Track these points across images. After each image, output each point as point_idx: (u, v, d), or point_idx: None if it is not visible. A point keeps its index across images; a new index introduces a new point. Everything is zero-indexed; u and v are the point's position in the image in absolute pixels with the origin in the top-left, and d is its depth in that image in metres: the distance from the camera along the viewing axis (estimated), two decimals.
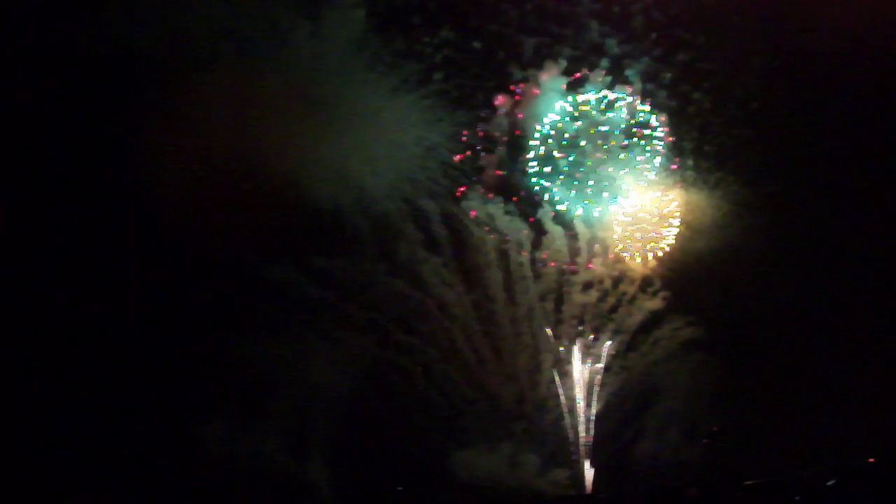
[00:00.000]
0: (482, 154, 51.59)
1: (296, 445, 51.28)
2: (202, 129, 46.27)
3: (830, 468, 50.28)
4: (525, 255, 54.25)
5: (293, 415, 51.28)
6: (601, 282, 55.35)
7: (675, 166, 53.20)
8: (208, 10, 42.52)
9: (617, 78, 51.04)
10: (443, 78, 48.27)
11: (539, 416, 54.77)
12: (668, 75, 51.15)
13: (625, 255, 54.87)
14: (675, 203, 53.82)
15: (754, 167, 53.52)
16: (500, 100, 49.31)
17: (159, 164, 45.77)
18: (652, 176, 53.29)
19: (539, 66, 49.46)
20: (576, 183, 52.43)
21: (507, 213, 52.98)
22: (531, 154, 51.99)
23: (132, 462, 48.33)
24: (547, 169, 52.45)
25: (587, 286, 55.22)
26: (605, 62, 50.72)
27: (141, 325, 48.29)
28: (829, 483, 49.34)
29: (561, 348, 55.28)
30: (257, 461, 50.11)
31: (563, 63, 49.90)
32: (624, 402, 55.78)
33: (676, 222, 54.17)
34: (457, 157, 50.99)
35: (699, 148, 52.84)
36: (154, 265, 48.40)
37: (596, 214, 53.85)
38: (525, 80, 49.84)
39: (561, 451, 54.79)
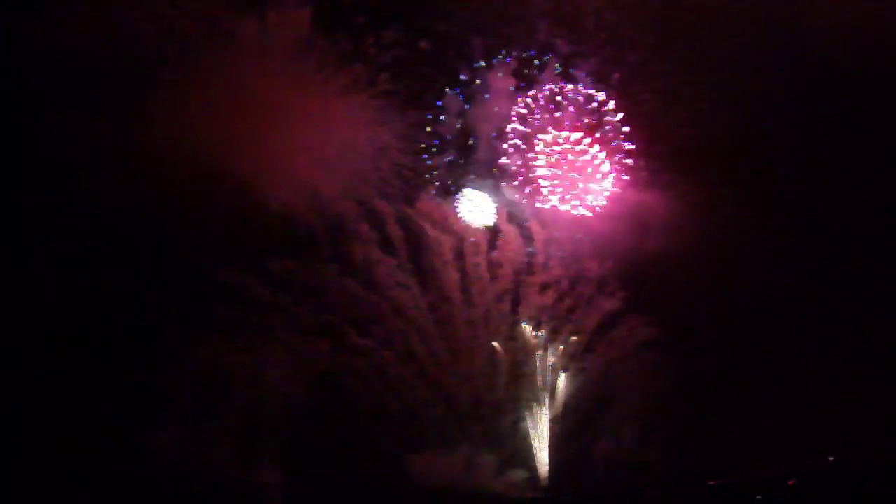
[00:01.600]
0: (434, 155, 50.95)
1: (249, 450, 50.58)
2: (148, 131, 45.90)
3: (791, 467, 50.28)
4: (481, 257, 53.67)
5: (246, 419, 50.67)
6: (558, 282, 54.75)
7: (628, 166, 52.74)
8: (150, 9, 42.21)
9: (568, 78, 50.74)
10: (391, 78, 47.88)
11: (497, 417, 54.19)
12: (619, 76, 50.77)
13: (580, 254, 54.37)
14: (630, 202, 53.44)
15: (708, 167, 53.33)
16: (449, 100, 48.87)
17: (105, 167, 45.40)
18: (606, 176, 52.81)
19: (489, 66, 49.11)
20: (528, 183, 52.18)
21: (461, 214, 52.47)
22: (483, 154, 51.58)
23: (78, 468, 47.49)
24: (498, 169, 52.15)
25: (544, 287, 54.72)
26: (556, 62, 50.25)
27: (88, 328, 47.66)
28: (790, 482, 49.44)
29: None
30: (209, 466, 49.33)
31: (513, 63, 49.42)
32: (582, 403, 55.32)
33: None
34: (409, 158, 50.38)
35: (651, 148, 52.51)
36: (102, 268, 47.76)
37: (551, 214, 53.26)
38: (474, 80, 49.48)
39: (519, 452, 54.13)
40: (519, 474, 53.82)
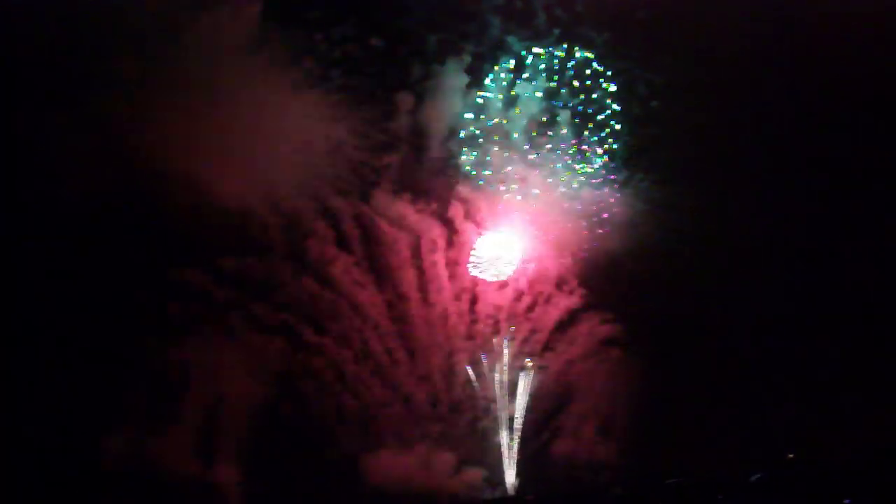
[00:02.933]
0: (389, 152, 50.94)
1: (204, 450, 50.17)
2: (99, 128, 45.79)
3: (751, 465, 50.26)
4: (439, 255, 53.58)
5: (202, 418, 50.26)
6: (516, 280, 54.72)
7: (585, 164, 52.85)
8: (102, 4, 42.18)
9: (521, 75, 50.93)
10: (344, 75, 47.93)
11: (454, 416, 53.94)
12: (573, 73, 50.98)
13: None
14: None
15: (663, 165, 53.58)
16: (402, 97, 48.93)
17: (60, 163, 45.23)
18: (561, 173, 52.92)
19: (442, 63, 49.24)
20: (482, 182, 52.27)
21: (418, 211, 52.43)
22: (437, 152, 51.63)
23: (34, 469, 46.98)
24: (453, 167, 52.23)
25: (502, 285, 54.68)
26: (508, 59, 50.42)
27: (42, 328, 47.28)
28: (751, 479, 49.43)
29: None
30: (165, 466, 48.90)
31: (467, 59, 49.57)
32: (542, 401, 55.16)
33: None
34: (364, 155, 50.35)
35: (606, 146, 52.71)
36: (56, 266, 47.49)
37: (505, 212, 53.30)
38: (428, 76, 49.60)
39: (477, 451, 53.84)
40: (477, 473, 53.29)
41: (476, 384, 54.79)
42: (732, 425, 53.91)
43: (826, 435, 51.74)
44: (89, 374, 48.34)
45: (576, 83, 51.86)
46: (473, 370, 54.64)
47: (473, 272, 52.97)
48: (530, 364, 55.02)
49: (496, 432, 54.59)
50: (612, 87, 52.18)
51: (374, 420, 53.20)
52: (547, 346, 55.53)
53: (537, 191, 53.23)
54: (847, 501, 45.20)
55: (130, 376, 48.82)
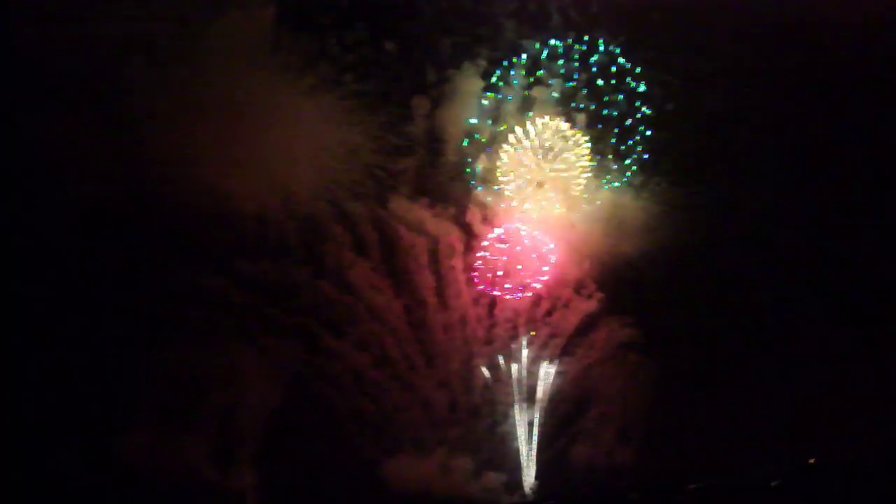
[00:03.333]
0: (405, 156, 51.03)
1: (222, 454, 50.30)
2: (116, 133, 46.28)
3: (772, 470, 49.68)
4: (457, 259, 53.54)
5: (219, 423, 50.44)
6: (535, 285, 54.54)
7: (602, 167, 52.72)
8: (115, 9, 42.74)
9: (537, 78, 50.93)
10: (358, 79, 48.10)
11: (473, 421, 53.71)
12: (587, 76, 50.90)
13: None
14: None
15: (679, 168, 53.26)
16: (418, 101, 49.04)
17: (72, 169, 45.66)
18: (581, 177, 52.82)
19: (457, 67, 49.33)
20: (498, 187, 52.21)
21: (435, 216, 52.42)
22: (454, 156, 51.65)
23: (50, 471, 47.35)
24: (470, 171, 52.19)
25: (521, 289, 54.48)
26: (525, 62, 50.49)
27: (60, 330, 47.70)
28: (772, 485, 48.90)
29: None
30: (182, 470, 49.07)
31: (482, 63, 49.63)
32: (561, 406, 54.78)
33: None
34: (381, 159, 50.47)
35: (623, 149, 52.50)
36: (74, 271, 47.90)
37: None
38: (443, 80, 49.70)
39: (496, 456, 53.56)
40: (496, 478, 53.09)
41: (495, 389, 54.21)
42: (752, 430, 53.08)
43: (848, 440, 50.70)
44: (106, 377, 48.49)
45: (595, 83, 51.13)
46: (492, 375, 54.19)
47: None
48: (549, 369, 54.49)
49: (515, 437, 54.06)
50: (638, 88, 51.45)
51: (392, 425, 52.66)
52: (566, 351, 54.89)
53: (554, 194, 52.59)
54: None
55: (147, 379, 48.76)
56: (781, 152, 53.89)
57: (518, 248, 53.17)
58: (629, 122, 52.74)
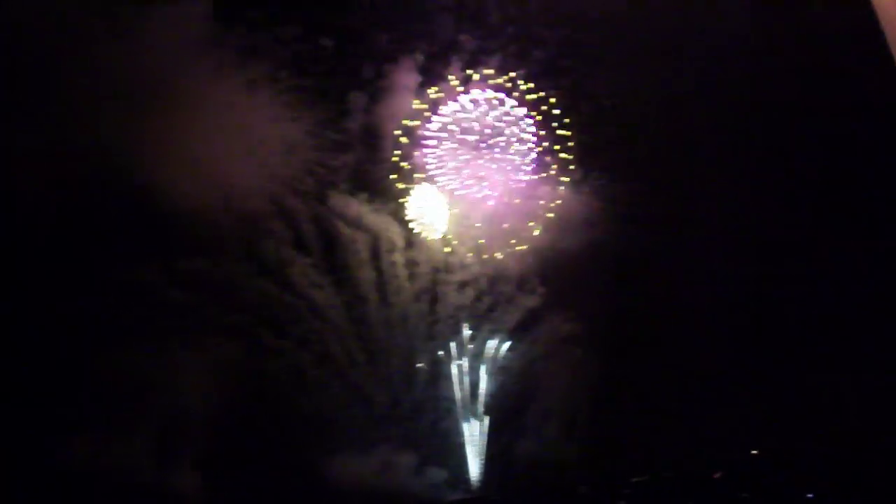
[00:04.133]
0: (344, 152, 50.93)
1: (163, 455, 49.51)
2: (50, 128, 45.64)
3: (715, 462, 50.03)
4: (397, 255, 53.42)
5: (159, 424, 49.70)
6: (477, 280, 54.53)
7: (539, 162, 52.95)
8: (50, 4, 42.24)
9: (476, 73, 51.11)
10: (294, 75, 47.98)
11: (415, 418, 53.50)
12: (527, 71, 51.22)
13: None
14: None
15: (618, 163, 53.69)
16: (355, 96, 49.02)
17: (5, 164, 44.94)
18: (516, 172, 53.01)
19: (394, 62, 49.38)
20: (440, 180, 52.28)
21: (375, 211, 52.30)
22: (392, 151, 51.66)
23: None
24: (410, 166, 52.22)
25: (463, 285, 54.45)
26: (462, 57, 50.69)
27: None
28: (715, 476, 49.26)
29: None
30: (123, 471, 48.24)
31: (419, 58, 49.76)
32: (504, 401, 54.75)
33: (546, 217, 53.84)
34: (319, 155, 50.30)
35: (563, 144, 52.84)
36: (8, 269, 47.01)
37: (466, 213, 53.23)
38: (380, 76, 49.72)
39: (440, 452, 53.36)
40: (439, 474, 52.82)
41: (437, 385, 54.08)
42: (695, 422, 53.34)
43: (789, 430, 51.19)
44: (43, 379, 47.50)
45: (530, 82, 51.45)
46: (434, 371, 54.02)
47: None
48: (492, 364, 54.50)
49: (458, 433, 53.90)
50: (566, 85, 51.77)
51: (334, 423, 52.19)
52: (509, 346, 54.87)
53: (493, 190, 52.75)
54: (810, 496, 44.99)
55: (83, 380, 47.88)
56: (722, 144, 54.21)
57: None
58: (567, 118, 52.52)
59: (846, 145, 53.51)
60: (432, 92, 51.34)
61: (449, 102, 52.00)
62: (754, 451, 52.80)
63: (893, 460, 47.33)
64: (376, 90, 50.14)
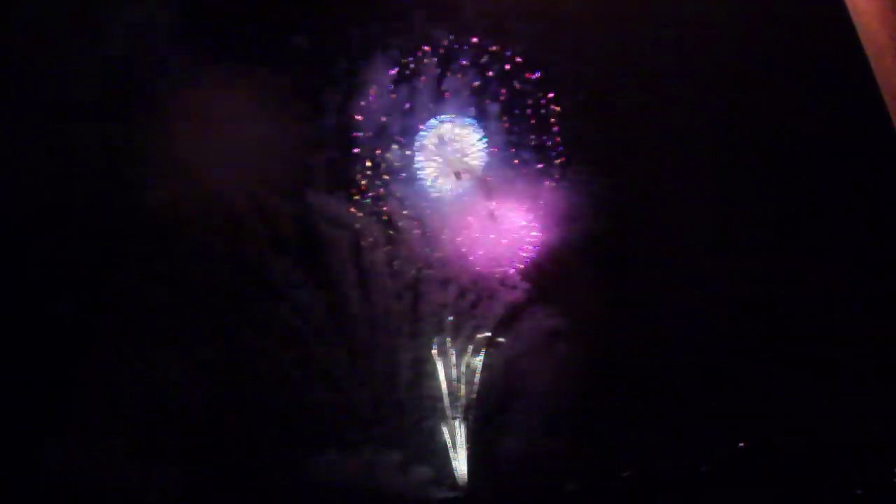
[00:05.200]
0: (320, 149, 50.82)
1: (146, 456, 49.15)
2: (28, 130, 45.61)
3: (701, 456, 49.66)
4: (379, 253, 53.18)
5: (142, 423, 49.43)
6: (459, 277, 54.23)
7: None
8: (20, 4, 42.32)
9: (449, 70, 51.02)
10: (267, 72, 47.82)
11: (398, 417, 53.10)
12: (503, 67, 51.07)
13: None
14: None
15: (598, 158, 53.49)
16: (329, 93, 48.88)
17: None
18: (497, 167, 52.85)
19: (367, 59, 49.32)
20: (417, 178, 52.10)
21: (356, 209, 52.11)
22: (370, 148, 51.53)
23: None
24: (387, 163, 52.05)
25: (445, 283, 54.17)
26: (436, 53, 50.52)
27: None
28: (701, 469, 48.98)
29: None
30: (103, 473, 47.89)
31: (393, 54, 49.65)
32: (489, 398, 54.34)
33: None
34: (296, 152, 50.13)
35: (539, 139, 52.66)
36: None
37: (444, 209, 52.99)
38: (353, 72, 49.65)
39: (424, 450, 52.92)
40: (424, 472, 52.37)
41: (421, 383, 53.72)
42: (683, 416, 52.87)
43: (776, 424, 50.75)
44: (24, 380, 47.28)
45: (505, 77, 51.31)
46: (417, 369, 53.67)
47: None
48: (475, 361, 54.12)
49: (442, 431, 53.47)
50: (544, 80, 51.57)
51: (316, 423, 51.82)
52: (492, 343, 54.53)
53: (470, 186, 52.54)
54: (798, 489, 44.73)
55: (66, 382, 47.67)
56: (705, 140, 53.95)
57: None
58: (543, 111, 52.31)
59: (839, 139, 53.28)
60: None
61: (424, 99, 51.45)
62: (742, 445, 52.30)
63: (882, 453, 46.97)
64: (351, 87, 49.71)
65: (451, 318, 54.09)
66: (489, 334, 54.91)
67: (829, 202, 52.98)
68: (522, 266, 54.80)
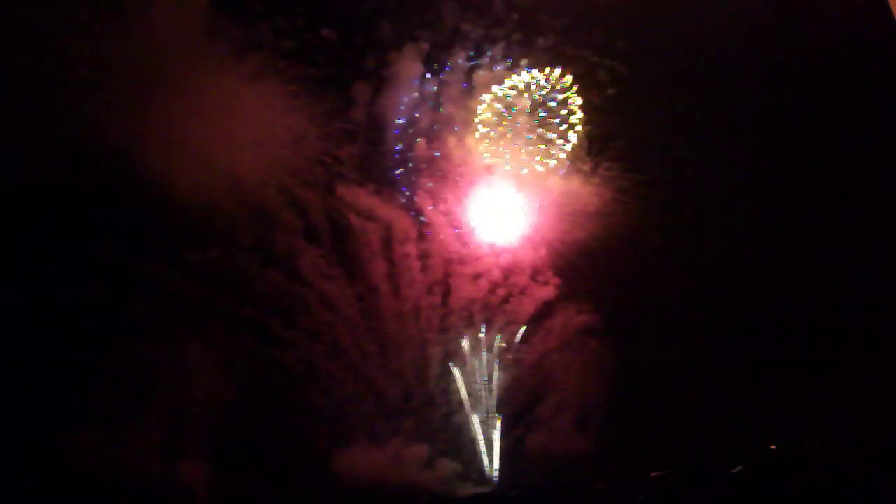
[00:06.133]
0: (352, 142, 50.95)
1: (173, 449, 49.50)
2: (59, 123, 46.32)
3: (733, 456, 48.81)
4: (410, 246, 53.14)
5: (170, 416, 49.80)
6: (490, 272, 53.98)
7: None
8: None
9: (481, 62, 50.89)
10: (298, 65, 48.14)
11: (428, 411, 52.89)
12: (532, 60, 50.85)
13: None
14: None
15: (631, 154, 52.95)
16: (360, 86, 49.01)
17: (14, 160, 45.68)
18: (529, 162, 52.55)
19: (398, 51, 49.32)
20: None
21: (386, 202, 52.17)
22: (402, 141, 51.54)
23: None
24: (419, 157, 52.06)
25: (476, 277, 53.92)
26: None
27: (3, 328, 47.27)
28: (734, 470, 48.13)
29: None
30: (131, 467, 48.32)
31: (424, 47, 49.63)
32: (518, 394, 53.90)
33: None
34: (327, 145, 50.36)
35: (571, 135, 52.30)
36: (15, 265, 47.57)
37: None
38: (384, 65, 49.69)
39: (452, 445, 52.63)
40: (451, 468, 52.05)
41: (452, 377, 53.47)
42: (714, 416, 51.96)
43: (808, 426, 49.56)
44: (53, 373, 47.77)
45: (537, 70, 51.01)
46: (447, 364, 53.42)
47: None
48: (506, 356, 53.74)
49: (471, 426, 53.12)
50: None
51: (345, 416, 51.81)
52: (523, 338, 54.12)
53: (504, 181, 52.28)
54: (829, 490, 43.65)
55: (95, 374, 48.09)
56: (737, 138, 53.18)
57: None
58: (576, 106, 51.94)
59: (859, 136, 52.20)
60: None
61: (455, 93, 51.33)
62: (773, 446, 51.28)
63: None
64: (382, 80, 49.74)
65: (482, 312, 53.42)
66: (521, 329, 54.12)
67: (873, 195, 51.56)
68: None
